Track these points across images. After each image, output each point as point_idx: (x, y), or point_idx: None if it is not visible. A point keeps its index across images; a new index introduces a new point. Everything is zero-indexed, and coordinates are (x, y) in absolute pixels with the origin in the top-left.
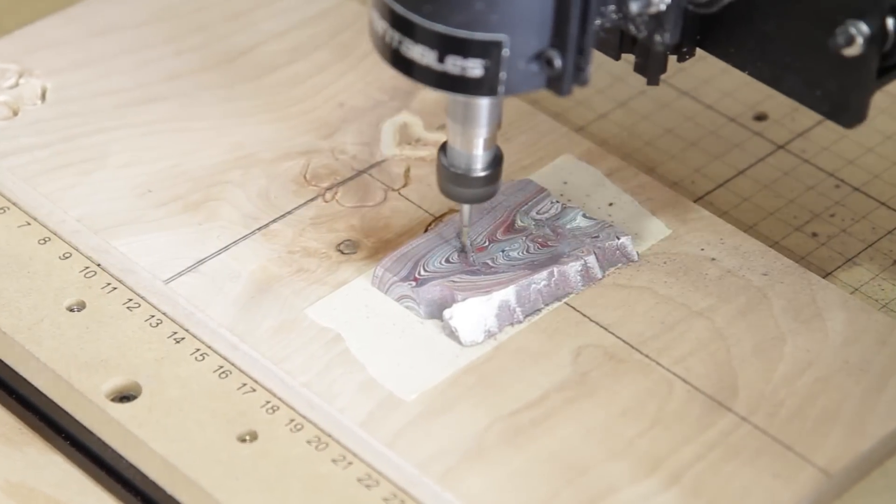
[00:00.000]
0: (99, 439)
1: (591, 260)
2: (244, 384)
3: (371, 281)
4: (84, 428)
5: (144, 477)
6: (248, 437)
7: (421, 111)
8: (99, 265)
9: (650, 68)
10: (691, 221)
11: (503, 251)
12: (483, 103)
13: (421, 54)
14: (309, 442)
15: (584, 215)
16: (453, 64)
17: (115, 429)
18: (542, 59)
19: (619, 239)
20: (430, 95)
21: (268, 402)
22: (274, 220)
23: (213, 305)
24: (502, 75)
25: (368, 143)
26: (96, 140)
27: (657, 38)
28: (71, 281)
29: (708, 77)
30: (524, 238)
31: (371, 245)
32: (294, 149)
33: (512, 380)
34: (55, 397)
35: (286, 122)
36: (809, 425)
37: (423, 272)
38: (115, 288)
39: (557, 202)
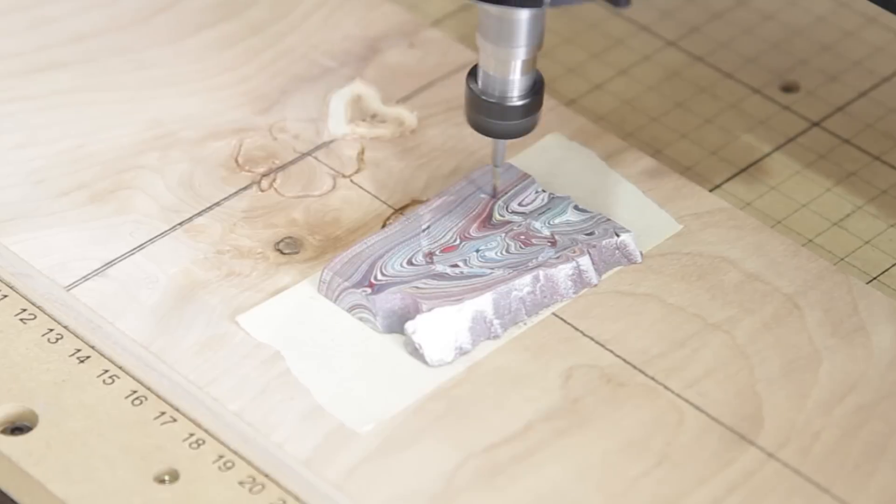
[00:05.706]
0: None
1: (585, 261)
2: (162, 413)
3: (317, 287)
4: None
5: None
6: (167, 478)
7: (378, 80)
8: None
9: None
10: (706, 215)
11: (478, 251)
12: (524, 17)
13: None
14: (241, 483)
15: (575, 207)
16: None
17: (6, 466)
18: None
19: (618, 236)
20: (389, 60)
21: (192, 435)
22: (199, 214)
23: (126, 317)
24: None
25: (314, 120)
26: None
27: None
28: None
29: (727, 39)
30: (503, 235)
31: (317, 243)
32: (223, 126)
33: (489, 407)
34: None
35: (213, 94)
36: (850, 463)
37: (380, 276)
38: (5, 296)
39: (544, 191)
